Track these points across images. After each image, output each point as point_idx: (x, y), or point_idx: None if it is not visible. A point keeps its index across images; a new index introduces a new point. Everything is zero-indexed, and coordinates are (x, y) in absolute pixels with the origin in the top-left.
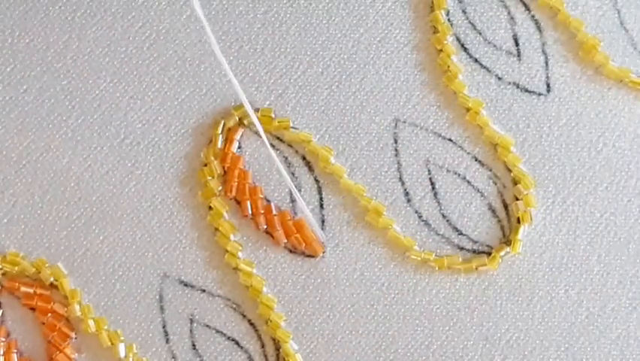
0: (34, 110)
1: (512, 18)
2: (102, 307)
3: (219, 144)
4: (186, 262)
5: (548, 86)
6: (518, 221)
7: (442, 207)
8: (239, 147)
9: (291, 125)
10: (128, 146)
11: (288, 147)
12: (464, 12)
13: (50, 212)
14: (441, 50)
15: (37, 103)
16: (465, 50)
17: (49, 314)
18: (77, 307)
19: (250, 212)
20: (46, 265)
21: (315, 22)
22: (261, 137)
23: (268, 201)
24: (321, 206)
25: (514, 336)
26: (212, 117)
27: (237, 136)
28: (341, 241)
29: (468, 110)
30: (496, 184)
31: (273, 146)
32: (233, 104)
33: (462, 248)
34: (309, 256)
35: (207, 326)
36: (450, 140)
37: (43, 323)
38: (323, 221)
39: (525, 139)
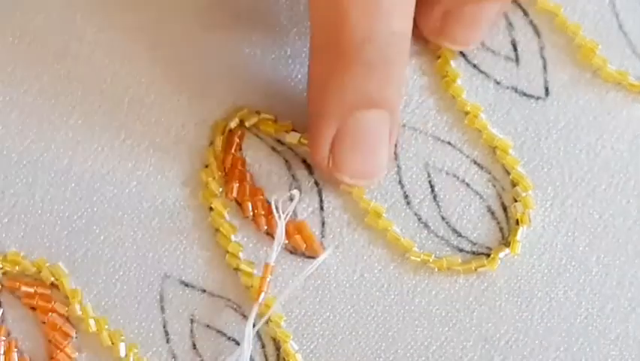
0: (34, 111)
1: (510, 24)
2: (103, 307)
3: (220, 146)
4: (187, 262)
5: (547, 89)
6: (517, 223)
7: (442, 210)
8: (240, 149)
9: (292, 128)
10: (128, 147)
11: (289, 150)
12: None
13: (51, 212)
14: (439, 57)
15: (37, 103)
16: (463, 55)
17: (50, 314)
18: (78, 306)
19: (251, 213)
20: (47, 264)
21: None
22: (262, 139)
23: (269, 202)
24: (321, 208)
25: (513, 337)
26: (214, 119)
27: (238, 138)
28: (341, 243)
29: (467, 113)
30: (495, 186)
31: (273, 149)
32: (234, 105)
33: (461, 250)
34: (309, 257)
35: (208, 326)
36: (449, 143)
37: (44, 323)
38: (323, 223)
39: (524, 142)
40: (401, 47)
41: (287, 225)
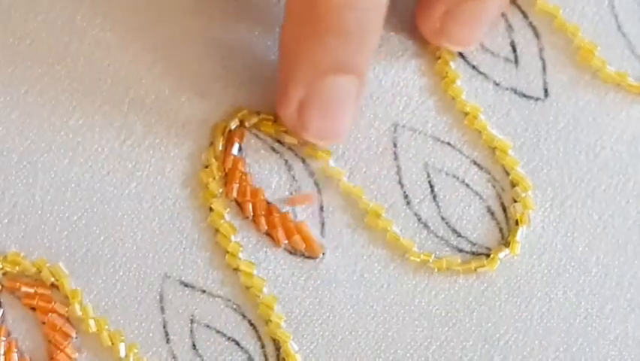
0: (35, 111)
1: (510, 25)
2: (103, 308)
3: (220, 146)
4: (187, 262)
5: (546, 90)
6: (517, 223)
7: (441, 210)
8: (240, 149)
9: None
10: (129, 147)
11: (289, 150)
12: None
13: (51, 212)
14: (439, 58)
15: (38, 104)
16: (463, 57)
17: (50, 314)
18: (78, 307)
19: (251, 214)
20: (47, 265)
21: None
22: (262, 139)
23: (269, 203)
24: (321, 209)
25: (512, 337)
26: (214, 119)
27: (238, 138)
28: (340, 243)
29: (466, 114)
30: (494, 187)
31: (273, 149)
32: (234, 106)
33: (461, 250)
34: (308, 257)
35: (208, 326)
36: (449, 144)
37: (44, 323)
38: (323, 223)
39: (523, 143)
40: (378, 16)
41: (286, 225)
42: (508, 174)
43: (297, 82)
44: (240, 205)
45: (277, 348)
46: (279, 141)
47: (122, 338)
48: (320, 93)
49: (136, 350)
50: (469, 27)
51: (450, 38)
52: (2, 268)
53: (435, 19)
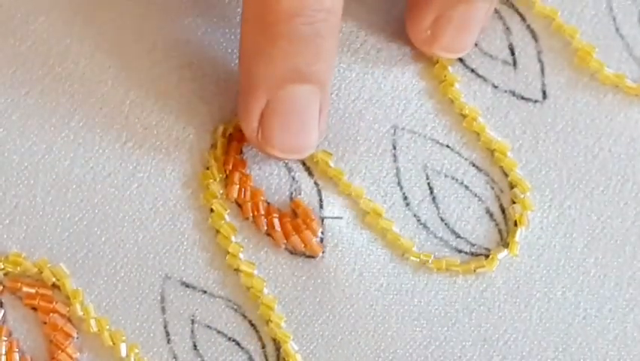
0: (36, 113)
1: (508, 29)
2: (104, 308)
3: (221, 148)
4: (188, 263)
5: (544, 93)
6: (515, 224)
7: (440, 211)
8: (240, 151)
9: None
10: (130, 149)
11: None
12: None
13: (52, 213)
14: (437, 62)
15: (39, 105)
16: (461, 60)
17: (51, 314)
18: (79, 307)
19: (251, 214)
20: (49, 265)
21: None
22: None
23: (269, 203)
24: (321, 207)
25: (512, 337)
26: (215, 121)
27: (239, 140)
28: (340, 243)
29: (465, 116)
30: (493, 188)
31: None
32: (235, 108)
33: (460, 251)
34: (309, 256)
35: (208, 326)
36: (447, 146)
37: (45, 323)
38: (323, 223)
39: (522, 144)
40: (332, 23)
41: (285, 225)
42: (506, 175)
43: (257, 92)
44: (240, 206)
45: (277, 348)
46: None
47: (123, 338)
48: (279, 102)
49: (137, 351)
50: (459, 33)
51: (441, 46)
52: (4, 269)
53: (425, 28)
